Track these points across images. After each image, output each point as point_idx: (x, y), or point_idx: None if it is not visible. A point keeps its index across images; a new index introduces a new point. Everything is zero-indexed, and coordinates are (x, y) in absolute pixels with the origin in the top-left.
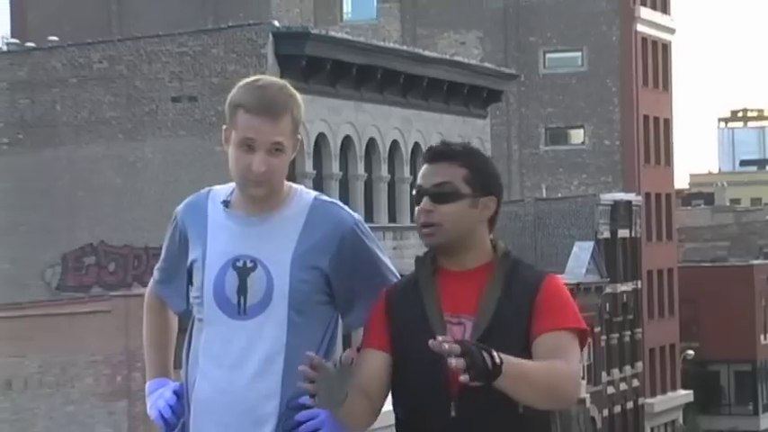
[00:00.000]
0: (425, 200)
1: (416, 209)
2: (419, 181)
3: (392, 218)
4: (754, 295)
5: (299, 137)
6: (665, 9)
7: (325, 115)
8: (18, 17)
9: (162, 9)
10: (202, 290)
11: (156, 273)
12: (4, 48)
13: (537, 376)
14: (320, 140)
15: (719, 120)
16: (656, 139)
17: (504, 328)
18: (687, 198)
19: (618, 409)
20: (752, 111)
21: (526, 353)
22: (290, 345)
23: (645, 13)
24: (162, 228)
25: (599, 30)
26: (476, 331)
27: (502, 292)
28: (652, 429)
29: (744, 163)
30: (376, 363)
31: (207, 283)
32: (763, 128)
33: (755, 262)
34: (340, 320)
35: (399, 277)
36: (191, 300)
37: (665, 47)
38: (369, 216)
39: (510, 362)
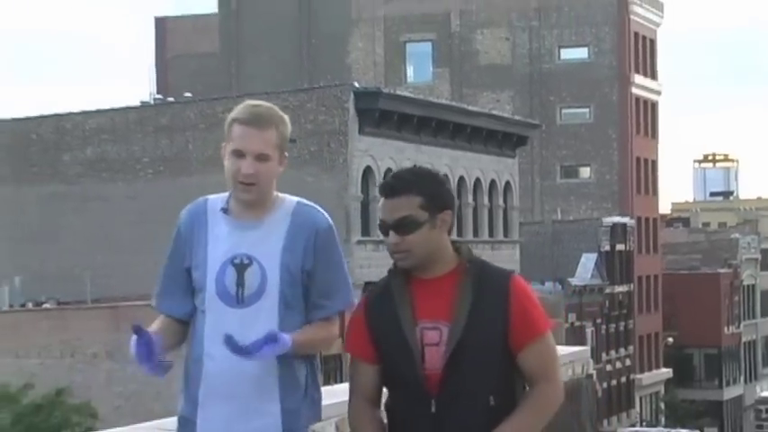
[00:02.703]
0: (392, 233)
1: (385, 240)
2: (382, 215)
3: None
4: (719, 296)
5: (286, 154)
6: (653, 76)
7: (392, 154)
8: (162, 78)
9: (270, 72)
10: (205, 284)
11: (155, 299)
12: (151, 101)
13: (534, 423)
14: (387, 174)
15: (694, 161)
16: (646, 175)
17: (478, 331)
18: (669, 221)
19: (614, 382)
20: (719, 155)
21: (500, 353)
22: (281, 327)
23: (638, 79)
24: None
25: (602, 91)
26: (452, 336)
27: (473, 298)
28: (640, 398)
29: (713, 194)
30: (369, 375)
31: (210, 279)
32: (727, 168)
33: (721, 271)
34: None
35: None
36: (195, 294)
37: (654, 105)
38: None
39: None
